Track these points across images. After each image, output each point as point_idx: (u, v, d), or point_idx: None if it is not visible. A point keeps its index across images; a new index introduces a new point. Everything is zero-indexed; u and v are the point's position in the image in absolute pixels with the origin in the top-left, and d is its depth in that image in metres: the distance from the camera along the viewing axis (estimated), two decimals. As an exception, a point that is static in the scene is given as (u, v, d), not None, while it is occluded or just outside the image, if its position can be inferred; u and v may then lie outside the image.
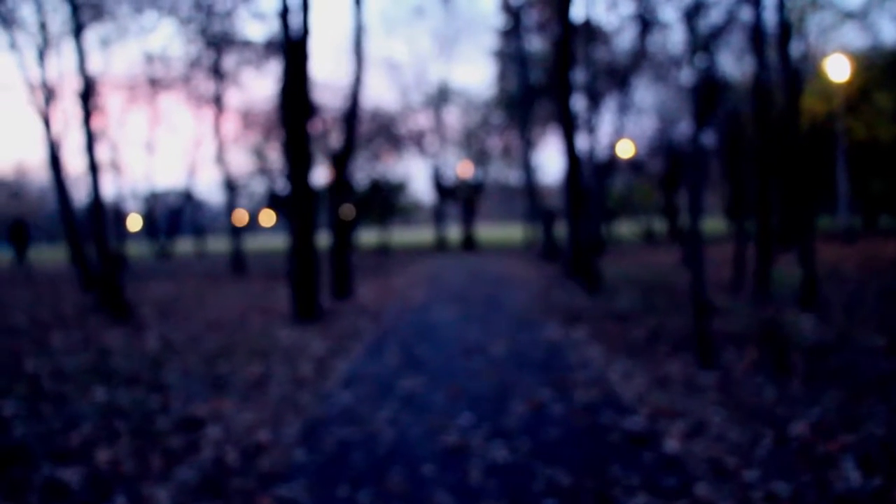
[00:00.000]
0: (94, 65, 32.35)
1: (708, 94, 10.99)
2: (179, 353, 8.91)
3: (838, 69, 22.90)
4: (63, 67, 27.49)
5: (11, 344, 10.04)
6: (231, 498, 4.18)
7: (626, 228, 48.91)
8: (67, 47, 22.52)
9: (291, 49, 11.72)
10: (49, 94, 19.97)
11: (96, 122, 32.74)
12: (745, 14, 16.85)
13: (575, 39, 17.87)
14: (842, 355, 7.08)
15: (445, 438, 5.05)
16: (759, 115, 12.41)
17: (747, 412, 5.32)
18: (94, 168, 13.04)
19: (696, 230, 7.09)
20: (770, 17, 13.08)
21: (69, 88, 22.18)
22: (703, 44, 11.02)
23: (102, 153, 34.55)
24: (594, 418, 5.37)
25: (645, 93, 34.20)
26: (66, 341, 10.20)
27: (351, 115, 15.96)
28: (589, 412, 5.52)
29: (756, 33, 12.48)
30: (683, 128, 33.19)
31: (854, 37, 35.84)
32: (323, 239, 19.03)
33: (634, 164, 38.46)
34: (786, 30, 11.39)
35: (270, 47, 25.80)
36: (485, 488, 4.19)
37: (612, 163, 27.43)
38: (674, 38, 43.05)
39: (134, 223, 54.66)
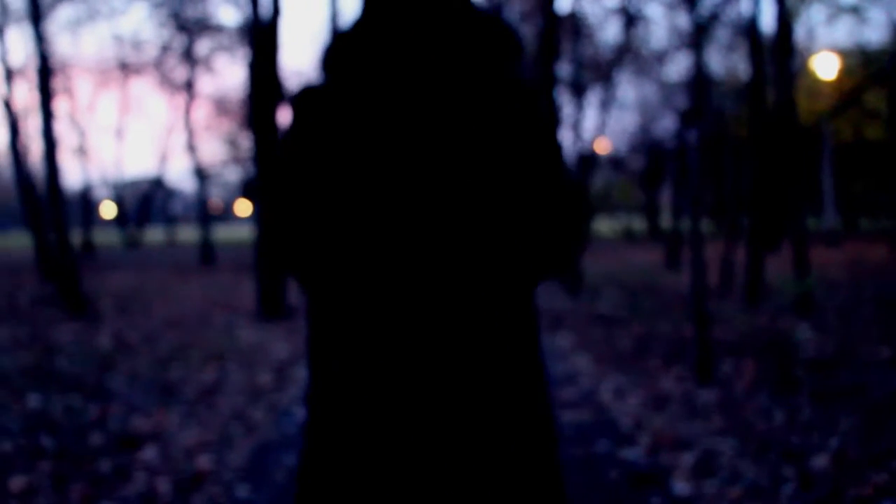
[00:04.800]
0: (63, 46, 31.40)
1: (699, 90, 10.38)
2: (131, 354, 8.20)
3: (827, 67, 22.39)
4: (29, 49, 26.56)
5: (-49, 339, 9.30)
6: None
7: (605, 226, 48.47)
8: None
9: (261, 29, 11.01)
10: (9, 74, 19.08)
11: (63, 106, 31.80)
12: (735, 9, 16.28)
13: (559, 32, 17.21)
14: (848, 370, 6.49)
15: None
16: (755, 111, 11.83)
17: (759, 441, 4.69)
18: (52, 152, 12.25)
19: (698, 232, 6.46)
20: (765, 10, 12.57)
21: (34, 70, 21.32)
22: (694, 38, 10.43)
23: (71, 139, 33.61)
24: (588, 447, 4.69)
25: (627, 88, 33.66)
26: (12, 336, 9.46)
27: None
28: (582, 439, 4.84)
29: (752, 26, 11.92)
30: (666, 124, 32.69)
31: (843, 35, 35.41)
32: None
33: (615, 161, 37.91)
34: (784, 21, 10.76)
35: (244, 33, 25.01)
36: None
37: (593, 159, 26.92)
38: (658, 33, 42.58)
39: (108, 211, 53.60)
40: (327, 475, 1.55)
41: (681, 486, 3.99)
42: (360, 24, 1.68)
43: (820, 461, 4.25)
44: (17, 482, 4.16)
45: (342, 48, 1.66)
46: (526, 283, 1.65)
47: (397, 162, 1.55)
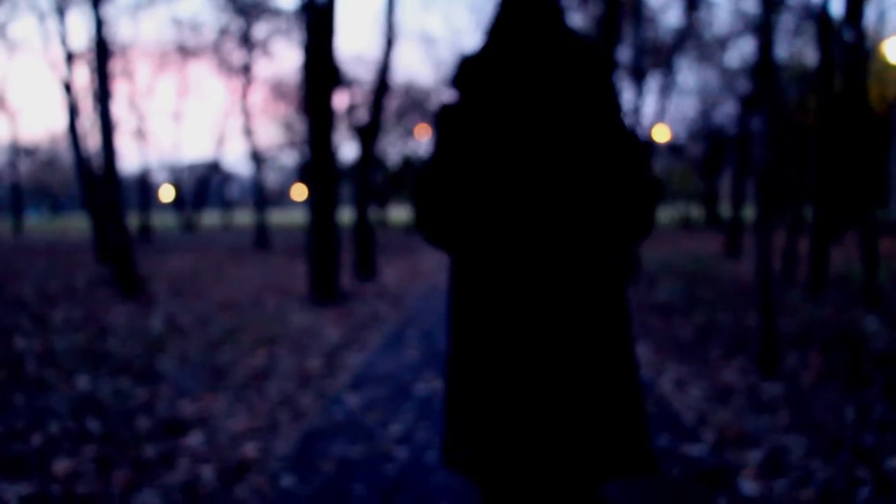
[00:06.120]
0: (123, 30, 31.72)
1: (767, 74, 9.99)
2: (182, 337, 8.15)
3: (896, 51, 21.62)
4: (89, 32, 26.86)
5: (8, 319, 9.35)
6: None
7: (663, 213, 47.78)
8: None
9: (316, 11, 10.87)
10: (69, 58, 19.27)
11: (122, 90, 32.18)
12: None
13: (620, 16, 16.82)
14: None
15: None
16: (822, 97, 11.38)
17: (829, 438, 4.43)
18: (109, 135, 12.28)
19: (765, 218, 6.17)
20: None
21: (93, 54, 21.54)
22: (763, 17, 10.02)
23: (130, 122, 34.01)
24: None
25: (687, 74, 32.94)
26: (66, 318, 9.50)
27: (380, 87, 15.06)
28: (641, 434, 4.63)
29: (822, 9, 11.48)
30: (726, 110, 32.00)
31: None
32: (348, 215, 18.21)
33: (674, 148, 37.26)
34: (855, 4, 10.29)
35: (301, 16, 24.95)
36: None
37: (652, 146, 26.47)
38: (721, 17, 41.66)
39: (165, 194, 54.32)
40: (470, 377, 2.05)
41: (749, 486, 3.75)
42: (486, 49, 2.17)
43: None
44: (60, 465, 4.08)
45: (473, 69, 2.15)
46: (614, 248, 2.09)
47: (522, 158, 2.03)
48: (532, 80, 2.07)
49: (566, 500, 2.03)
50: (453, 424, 2.08)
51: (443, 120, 2.14)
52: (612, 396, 1.99)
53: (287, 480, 3.94)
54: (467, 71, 2.16)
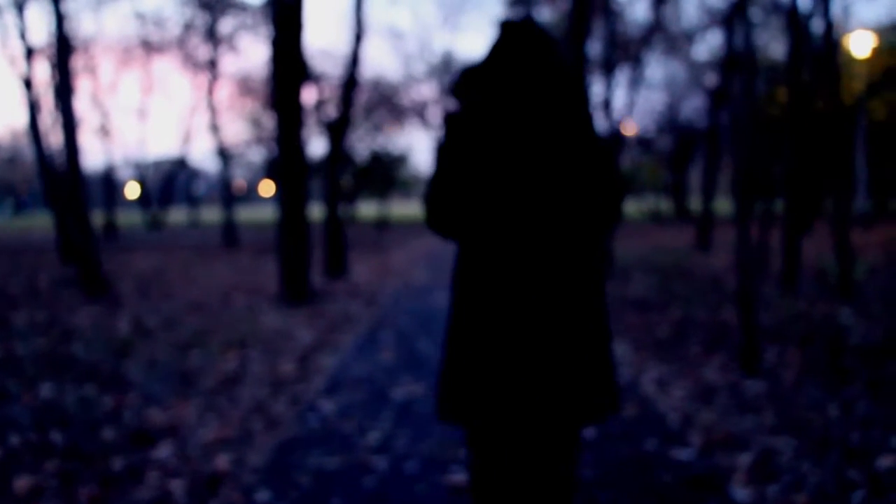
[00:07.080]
0: (85, 25, 31.21)
1: (734, 68, 9.95)
2: (150, 340, 7.92)
3: (861, 45, 21.79)
4: (49, 27, 26.35)
5: (-33, 323, 9.07)
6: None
7: (632, 207, 47.91)
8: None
9: (284, 5, 10.63)
10: (29, 53, 18.85)
11: (85, 86, 31.66)
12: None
13: (590, 10, 16.71)
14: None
15: (451, 475, 3.97)
16: (792, 90, 11.38)
17: (817, 438, 4.34)
18: (72, 132, 11.98)
19: (745, 211, 6.09)
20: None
21: (54, 49, 21.08)
22: (728, 14, 9.94)
23: (93, 119, 33.48)
24: (636, 447, 4.35)
25: (655, 67, 32.98)
26: (29, 321, 9.23)
27: (349, 82, 14.85)
28: (629, 437, 4.50)
29: (792, 2, 11.46)
30: (694, 104, 32.10)
31: (877, 13, 34.56)
32: (317, 211, 18.01)
33: (642, 141, 37.32)
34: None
35: (268, 11, 24.61)
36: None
37: (621, 139, 26.48)
38: (688, 11, 41.79)
39: (131, 192, 53.63)
40: (468, 348, 2.37)
41: (741, 493, 3.64)
42: (485, 64, 2.50)
43: (886, 462, 3.91)
44: (22, 482, 3.88)
45: (473, 80, 2.51)
46: (588, 234, 2.43)
47: (514, 160, 2.38)
48: (523, 97, 2.43)
49: (548, 443, 2.44)
50: (452, 380, 2.39)
51: (447, 128, 2.49)
52: (588, 354, 2.34)
53: (262, 495, 3.76)
54: (467, 84, 2.53)
